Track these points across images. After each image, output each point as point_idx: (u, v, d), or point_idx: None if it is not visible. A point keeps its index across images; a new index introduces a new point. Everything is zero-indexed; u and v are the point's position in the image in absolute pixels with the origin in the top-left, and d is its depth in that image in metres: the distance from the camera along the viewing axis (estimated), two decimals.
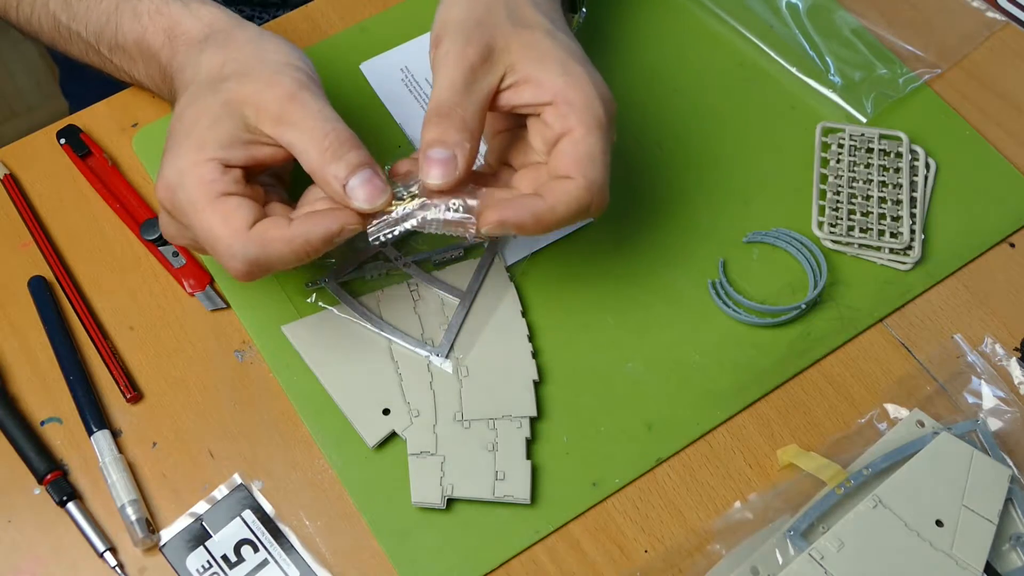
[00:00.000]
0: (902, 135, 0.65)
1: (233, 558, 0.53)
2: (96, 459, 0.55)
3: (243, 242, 0.49)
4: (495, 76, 0.53)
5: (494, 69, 0.52)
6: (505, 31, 0.53)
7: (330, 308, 0.59)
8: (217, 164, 0.50)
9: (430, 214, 0.51)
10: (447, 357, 0.57)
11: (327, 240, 0.49)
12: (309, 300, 0.59)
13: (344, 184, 0.50)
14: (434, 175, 0.50)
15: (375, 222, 0.51)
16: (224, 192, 0.50)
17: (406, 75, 0.68)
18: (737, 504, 0.55)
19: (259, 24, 0.70)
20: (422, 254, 0.61)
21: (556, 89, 0.52)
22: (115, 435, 0.56)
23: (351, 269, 0.60)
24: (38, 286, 0.60)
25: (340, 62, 0.68)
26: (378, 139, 0.65)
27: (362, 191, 0.50)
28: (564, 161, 0.51)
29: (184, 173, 0.50)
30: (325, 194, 0.51)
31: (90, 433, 0.55)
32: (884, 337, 0.60)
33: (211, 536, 0.53)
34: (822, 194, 0.64)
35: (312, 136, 0.50)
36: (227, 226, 0.49)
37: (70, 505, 0.53)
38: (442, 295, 0.59)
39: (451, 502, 0.54)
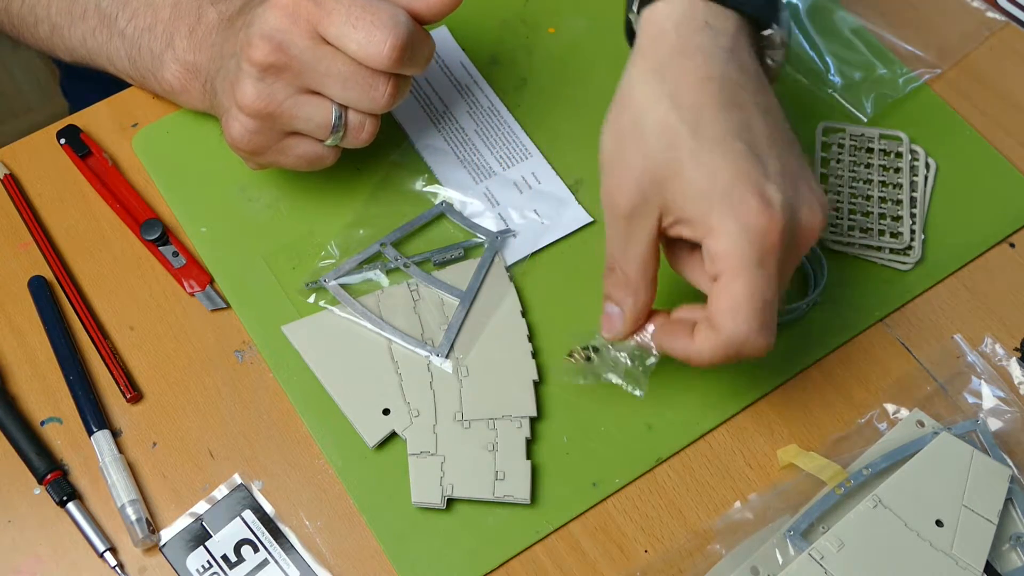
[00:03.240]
0: (902, 135, 0.65)
1: (233, 558, 0.53)
2: (96, 459, 0.55)
3: (403, 14, 0.53)
4: (651, 221, 0.49)
5: (648, 213, 0.49)
6: (667, 159, 0.48)
7: (330, 308, 0.59)
8: None
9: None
10: (447, 357, 0.57)
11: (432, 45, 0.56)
12: (309, 300, 0.59)
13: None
14: (604, 328, 0.54)
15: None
16: None
17: None
18: (737, 504, 0.55)
19: None
20: (422, 254, 0.61)
21: (707, 229, 0.47)
22: (115, 435, 0.56)
23: (351, 269, 0.60)
24: (38, 286, 0.60)
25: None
26: (378, 139, 0.65)
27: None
28: (712, 307, 0.48)
29: None
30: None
31: (90, 433, 0.55)
32: (884, 337, 0.60)
33: (211, 536, 0.53)
34: None
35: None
36: (384, 3, 0.53)
37: (70, 505, 0.53)
38: (442, 295, 0.59)
39: (451, 502, 0.54)
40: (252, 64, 0.53)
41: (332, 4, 0.52)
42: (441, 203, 0.63)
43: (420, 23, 0.55)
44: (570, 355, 0.57)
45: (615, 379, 0.56)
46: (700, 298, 0.51)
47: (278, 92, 0.53)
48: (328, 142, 0.56)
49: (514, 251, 0.61)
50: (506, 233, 0.62)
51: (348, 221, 0.62)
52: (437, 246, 0.62)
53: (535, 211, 0.63)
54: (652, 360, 0.55)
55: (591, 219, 0.62)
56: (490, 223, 0.62)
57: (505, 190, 0.63)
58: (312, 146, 0.57)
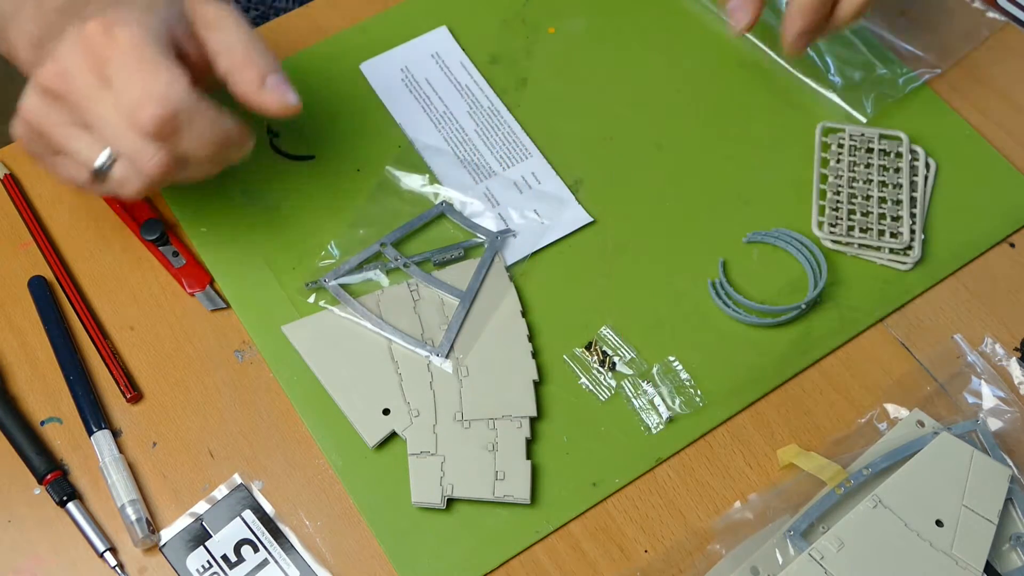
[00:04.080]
0: (902, 135, 0.65)
1: (233, 558, 0.53)
2: (96, 459, 0.55)
3: (183, 87, 0.49)
4: None
5: None
6: None
7: (330, 308, 0.59)
8: (167, 32, 0.51)
9: None
10: (447, 357, 0.57)
11: (244, 137, 0.53)
12: (309, 300, 0.59)
13: (264, 81, 0.53)
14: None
15: None
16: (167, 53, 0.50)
17: (406, 75, 0.68)
18: (737, 504, 0.55)
19: (259, 24, 0.70)
20: (422, 254, 0.61)
21: None
22: (115, 435, 0.56)
23: (350, 269, 0.60)
24: (38, 286, 0.60)
25: (340, 62, 0.68)
26: (378, 139, 0.65)
27: (278, 90, 0.54)
28: None
29: (132, 23, 0.50)
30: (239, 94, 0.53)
31: (90, 433, 0.55)
32: (884, 337, 0.60)
33: (211, 536, 0.53)
34: (822, 194, 0.64)
35: (239, 38, 0.53)
36: (170, 71, 0.50)
37: (70, 505, 0.53)
38: (442, 295, 0.59)
39: (451, 502, 0.54)
40: (37, 81, 0.51)
41: (125, 49, 0.49)
42: (441, 203, 0.63)
43: (246, 104, 0.54)
44: (587, 347, 0.58)
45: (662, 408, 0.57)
46: None
47: (53, 116, 0.51)
48: (90, 178, 0.53)
49: (514, 251, 0.61)
50: (506, 233, 0.62)
51: (348, 221, 0.62)
52: (437, 246, 0.62)
53: (535, 211, 0.63)
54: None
55: (591, 219, 0.62)
56: (490, 223, 0.62)
57: (505, 190, 0.63)
58: (78, 173, 0.53)
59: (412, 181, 0.64)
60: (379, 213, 0.62)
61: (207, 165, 0.53)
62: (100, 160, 0.51)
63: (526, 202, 0.63)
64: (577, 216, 0.63)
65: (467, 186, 0.64)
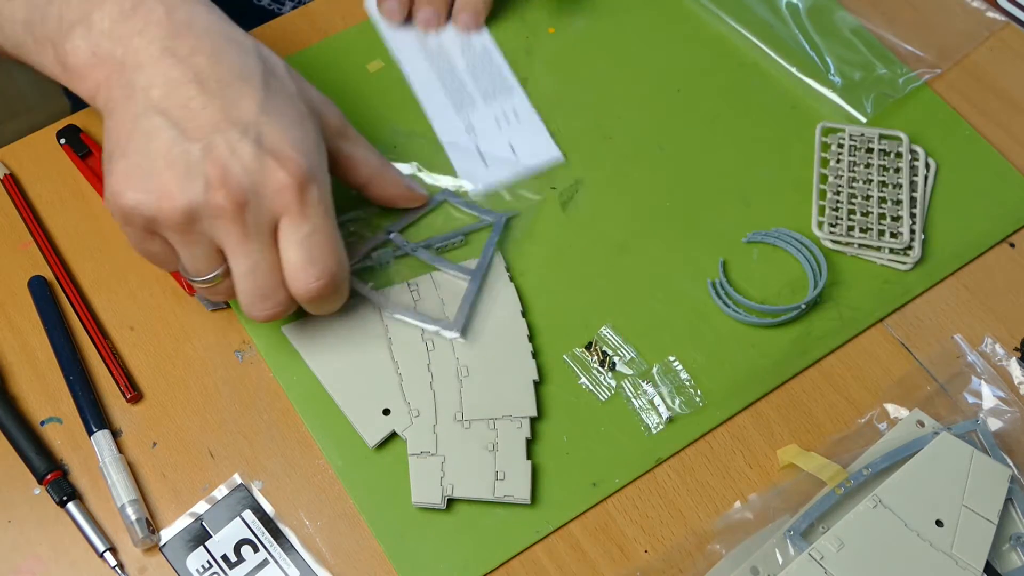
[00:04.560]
0: (902, 135, 0.65)
1: (233, 558, 0.53)
2: (96, 459, 0.55)
3: (346, 267, 0.54)
4: None
5: None
6: None
7: None
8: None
9: None
10: (462, 333, 0.57)
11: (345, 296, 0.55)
12: None
13: (404, 184, 0.60)
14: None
15: None
16: None
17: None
18: (737, 504, 0.55)
19: (257, 25, 0.70)
20: (425, 240, 0.61)
21: None
22: (115, 435, 0.56)
23: (360, 257, 0.60)
24: (38, 286, 0.60)
25: (340, 62, 0.68)
26: (378, 140, 0.65)
27: (417, 189, 0.61)
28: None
29: (320, 182, 0.51)
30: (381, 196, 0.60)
31: (90, 433, 0.55)
32: (884, 337, 0.60)
33: (211, 536, 0.53)
34: (822, 194, 0.64)
35: (370, 146, 0.59)
36: (343, 249, 0.53)
37: (70, 505, 0.53)
38: (444, 278, 0.60)
39: (451, 502, 0.54)
40: (208, 191, 0.48)
41: (312, 210, 0.50)
42: (443, 191, 0.63)
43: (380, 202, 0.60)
44: (587, 347, 0.58)
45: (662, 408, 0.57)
46: None
47: (199, 227, 0.49)
48: (184, 274, 0.53)
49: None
50: (511, 215, 0.62)
51: (341, 220, 0.62)
52: (443, 231, 0.62)
53: (510, 145, 0.65)
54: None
55: (561, 156, 0.65)
56: (468, 157, 0.64)
57: (484, 122, 0.66)
58: (167, 261, 0.52)
59: (401, 169, 0.64)
60: (372, 207, 0.62)
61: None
62: (209, 274, 0.52)
63: (502, 136, 0.65)
64: (548, 148, 0.64)
65: (449, 117, 0.66)
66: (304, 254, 0.50)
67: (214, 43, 0.51)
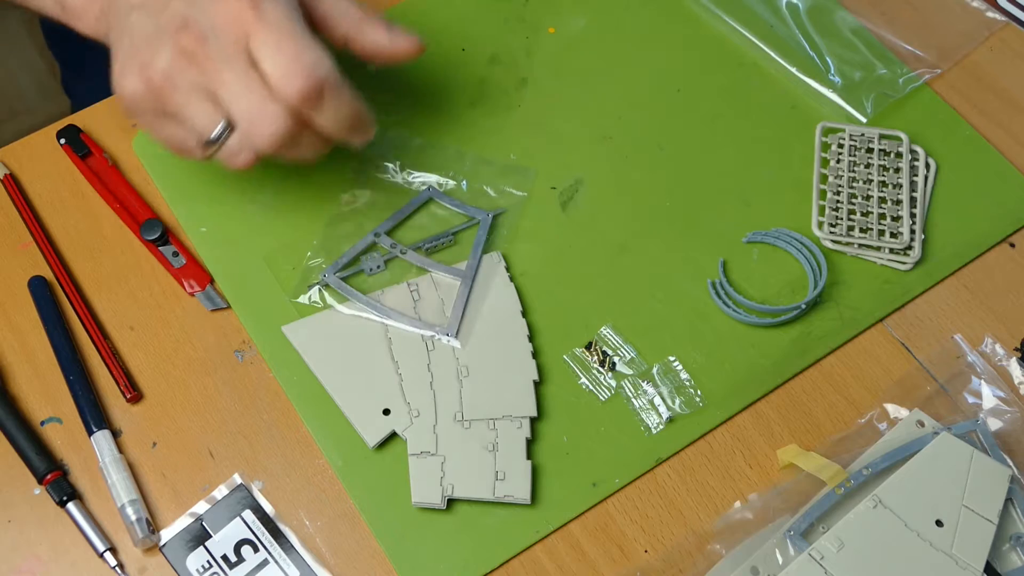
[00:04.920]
0: (902, 135, 0.65)
1: (233, 558, 0.53)
2: (96, 459, 0.55)
3: (330, 63, 0.52)
4: None
5: None
6: None
7: (334, 306, 0.59)
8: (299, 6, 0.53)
9: None
10: (456, 336, 0.57)
11: (370, 122, 0.56)
12: (309, 296, 0.59)
13: (389, 32, 0.58)
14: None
15: None
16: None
17: None
18: (737, 504, 0.55)
19: None
20: (413, 244, 0.61)
21: None
22: (115, 435, 0.56)
23: (348, 262, 0.60)
24: (38, 286, 0.60)
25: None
26: (377, 138, 0.65)
27: (404, 35, 0.58)
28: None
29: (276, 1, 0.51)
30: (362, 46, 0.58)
31: (90, 433, 0.55)
32: (884, 337, 0.60)
33: (211, 536, 0.53)
34: (822, 194, 0.64)
35: (348, 3, 0.57)
36: (318, 45, 0.52)
37: (70, 505, 0.53)
38: (443, 278, 0.60)
39: (451, 502, 0.54)
40: (174, 43, 0.51)
41: (272, 21, 0.51)
42: (428, 188, 0.63)
43: (366, 58, 0.58)
44: (587, 347, 0.58)
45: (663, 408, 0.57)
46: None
47: (181, 77, 0.52)
48: (200, 146, 0.54)
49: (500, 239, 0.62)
50: (498, 212, 0.62)
51: (327, 219, 0.62)
52: (428, 231, 0.62)
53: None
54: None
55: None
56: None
57: None
58: (183, 138, 0.54)
59: (383, 170, 0.64)
60: (356, 207, 0.62)
61: (318, 144, 0.55)
62: (216, 131, 0.53)
63: None
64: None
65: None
66: (280, 61, 0.51)
67: None
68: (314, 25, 0.56)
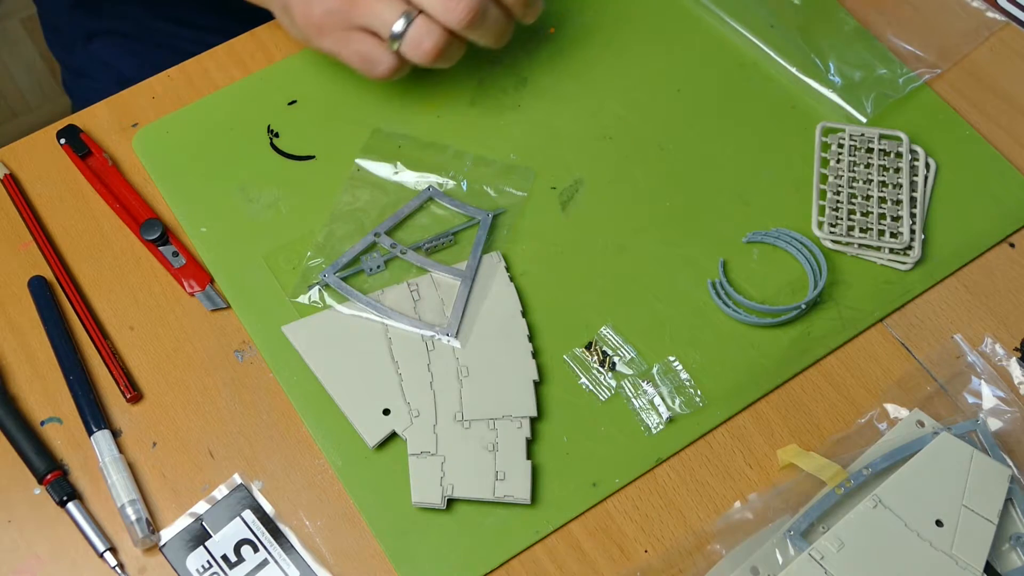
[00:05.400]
0: (902, 135, 0.65)
1: (233, 558, 0.53)
2: (96, 459, 0.55)
3: None
4: None
5: None
6: None
7: (334, 306, 0.59)
8: None
9: None
10: (456, 336, 0.57)
11: None
12: (300, 300, 0.59)
13: None
14: None
15: None
16: None
17: None
18: (737, 504, 0.55)
19: (262, 23, 0.70)
20: (414, 244, 0.61)
21: None
22: (115, 435, 0.56)
23: (348, 262, 0.60)
24: (38, 286, 0.60)
25: (340, 63, 0.68)
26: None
27: None
28: None
29: None
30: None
31: (90, 433, 0.55)
32: (884, 337, 0.60)
33: (211, 536, 0.53)
34: (822, 194, 0.64)
35: None
36: None
37: (70, 505, 0.53)
38: (443, 278, 0.60)
39: (451, 502, 0.54)
40: None
41: None
42: (428, 188, 0.63)
43: None
44: (587, 347, 0.58)
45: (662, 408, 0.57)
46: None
47: None
48: (391, 46, 0.59)
49: (500, 237, 0.62)
50: (498, 212, 0.62)
51: (327, 219, 0.62)
52: (429, 231, 0.62)
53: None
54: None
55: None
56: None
57: None
58: (372, 46, 0.59)
59: (382, 170, 0.64)
60: (356, 207, 0.62)
61: (503, 23, 0.60)
62: (402, 21, 0.58)
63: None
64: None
65: None
66: None
67: None
68: None
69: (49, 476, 0.54)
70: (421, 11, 0.58)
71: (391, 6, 0.58)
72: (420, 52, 0.59)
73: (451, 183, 0.64)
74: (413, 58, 0.59)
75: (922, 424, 0.56)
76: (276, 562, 0.53)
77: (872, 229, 0.62)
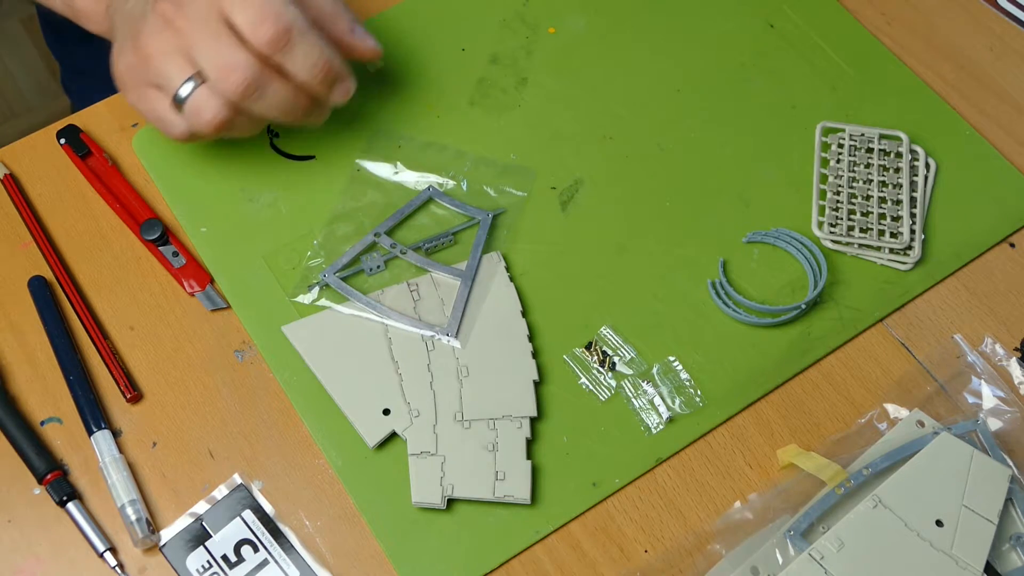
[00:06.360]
0: (902, 135, 0.65)
1: (233, 558, 0.53)
2: (96, 459, 0.55)
3: (296, 10, 0.55)
4: None
5: None
6: None
7: (333, 306, 0.59)
8: None
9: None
10: (456, 336, 0.57)
11: (346, 76, 0.58)
12: (299, 299, 0.59)
13: (353, 29, 0.60)
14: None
15: None
16: None
17: None
18: (737, 504, 0.55)
19: None
20: (413, 244, 0.61)
21: None
22: (115, 435, 0.56)
23: (348, 262, 0.60)
24: (38, 286, 0.60)
25: None
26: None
27: (366, 37, 0.61)
28: None
29: None
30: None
31: (90, 433, 0.55)
32: (884, 337, 0.60)
33: (211, 536, 0.53)
34: (822, 194, 0.64)
35: None
36: None
37: (70, 505, 0.53)
38: (443, 278, 0.60)
39: (451, 502, 0.54)
40: (154, 12, 0.54)
41: None
42: (428, 188, 0.63)
43: (342, 50, 0.59)
44: (587, 347, 0.58)
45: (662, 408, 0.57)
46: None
47: (159, 45, 0.54)
48: (173, 105, 0.56)
49: (501, 239, 0.62)
50: (498, 212, 0.62)
51: (327, 219, 0.62)
52: (428, 231, 0.62)
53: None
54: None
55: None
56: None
57: None
58: (166, 108, 0.56)
59: (382, 170, 0.64)
60: (356, 207, 0.62)
61: (292, 99, 0.56)
62: (187, 86, 0.55)
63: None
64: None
65: None
66: (249, 12, 0.53)
67: None
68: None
69: (49, 476, 0.54)
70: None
71: (179, 68, 0.55)
72: (201, 121, 0.55)
73: (451, 183, 0.64)
74: (195, 127, 0.56)
75: (922, 424, 0.56)
76: (276, 562, 0.53)
77: (872, 229, 0.62)
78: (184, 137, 0.57)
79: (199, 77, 0.54)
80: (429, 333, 0.58)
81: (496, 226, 0.62)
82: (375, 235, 0.61)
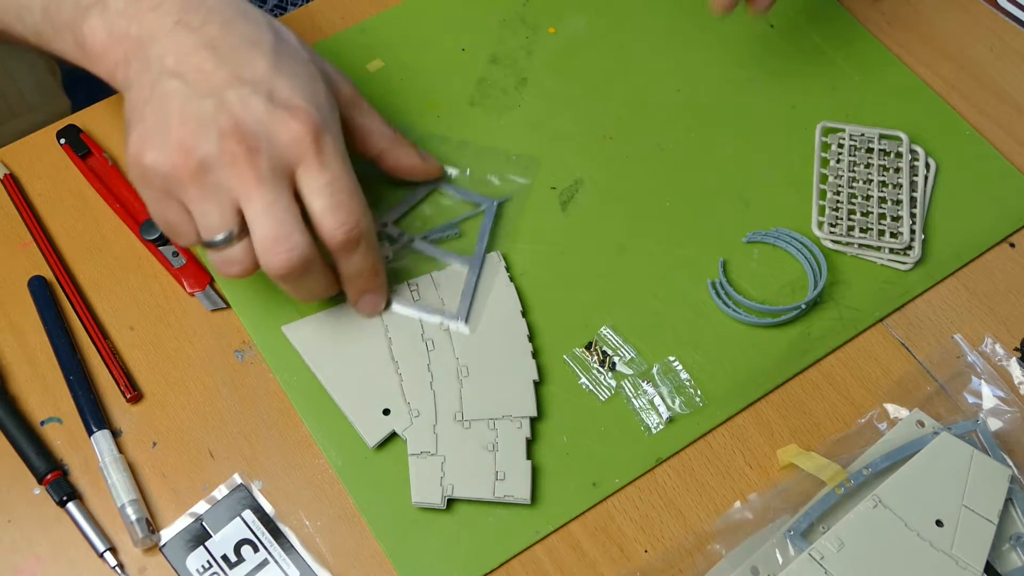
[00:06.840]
0: (902, 135, 0.65)
1: (233, 558, 0.53)
2: (96, 459, 0.55)
3: (370, 212, 0.54)
4: None
5: None
6: None
7: (330, 307, 0.59)
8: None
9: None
10: (466, 321, 0.58)
11: (333, 289, 0.56)
12: None
13: (421, 155, 0.61)
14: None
15: None
16: None
17: None
18: (737, 504, 0.55)
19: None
20: (419, 234, 0.61)
21: None
22: (115, 435, 0.56)
23: None
24: (38, 286, 0.60)
25: (340, 62, 0.68)
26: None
27: (433, 161, 0.63)
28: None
29: (334, 134, 0.52)
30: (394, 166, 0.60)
31: (90, 433, 0.55)
32: (884, 337, 0.60)
33: (211, 536, 0.53)
34: (822, 194, 0.64)
35: (382, 120, 0.59)
36: (364, 207, 0.53)
37: (70, 505, 0.53)
38: (444, 278, 0.60)
39: (451, 502, 0.54)
40: (221, 139, 0.49)
41: (329, 156, 0.50)
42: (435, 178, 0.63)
43: (394, 174, 0.61)
44: (587, 347, 0.58)
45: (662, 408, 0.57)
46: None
47: (212, 176, 0.49)
48: (202, 243, 0.51)
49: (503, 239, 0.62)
50: (503, 199, 0.62)
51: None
52: (436, 220, 0.62)
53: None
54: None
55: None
56: None
57: None
58: (185, 223, 0.51)
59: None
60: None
61: (323, 286, 0.55)
62: (222, 235, 0.50)
63: None
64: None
65: None
66: (328, 200, 0.50)
67: (225, 14, 0.52)
68: (351, 137, 0.57)
69: (49, 476, 0.54)
70: (246, 237, 0.50)
71: (222, 215, 0.49)
72: (224, 270, 0.51)
73: (455, 171, 0.64)
74: (216, 269, 0.52)
75: (922, 424, 0.56)
76: (276, 562, 0.53)
77: (872, 229, 0.62)
78: (190, 246, 0.54)
79: (236, 231, 0.50)
80: (438, 319, 0.58)
81: (497, 225, 0.62)
82: (382, 224, 0.61)
